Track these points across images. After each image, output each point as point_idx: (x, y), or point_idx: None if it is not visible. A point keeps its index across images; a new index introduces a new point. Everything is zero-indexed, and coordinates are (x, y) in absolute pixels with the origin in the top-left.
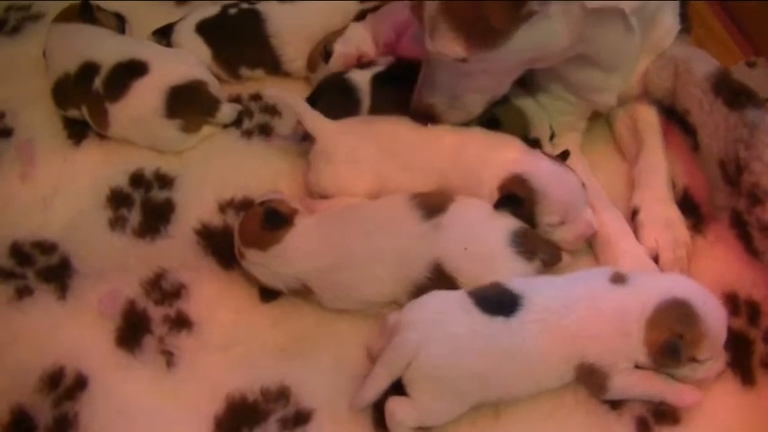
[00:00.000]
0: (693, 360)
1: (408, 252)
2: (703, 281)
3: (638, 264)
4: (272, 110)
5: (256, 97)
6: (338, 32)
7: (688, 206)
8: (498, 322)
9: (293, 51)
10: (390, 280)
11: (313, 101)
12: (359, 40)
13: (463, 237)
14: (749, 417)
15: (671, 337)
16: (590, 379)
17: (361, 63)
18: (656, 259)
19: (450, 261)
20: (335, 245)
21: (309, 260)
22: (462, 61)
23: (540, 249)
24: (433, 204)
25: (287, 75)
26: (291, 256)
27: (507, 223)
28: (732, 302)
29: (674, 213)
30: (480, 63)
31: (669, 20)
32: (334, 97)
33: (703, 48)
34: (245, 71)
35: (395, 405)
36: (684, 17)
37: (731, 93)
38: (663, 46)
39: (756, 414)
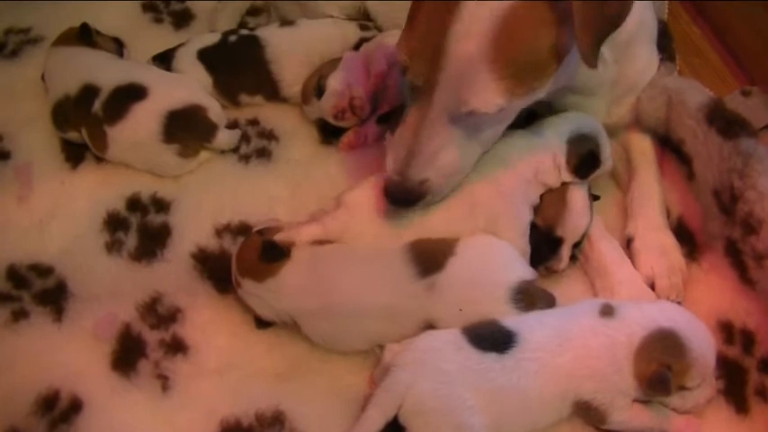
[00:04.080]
0: (683, 388)
1: (399, 311)
2: (698, 309)
3: (635, 292)
4: (270, 134)
5: (254, 122)
6: (334, 62)
7: (683, 235)
8: (490, 359)
9: (292, 77)
10: (378, 332)
11: None
12: (352, 76)
13: (459, 298)
14: None
15: (659, 369)
16: (588, 415)
17: (353, 106)
18: (652, 286)
19: (444, 322)
20: (326, 291)
21: (300, 299)
22: (489, 114)
23: (538, 300)
24: (429, 259)
25: (285, 100)
26: (284, 292)
27: (507, 280)
28: (727, 331)
29: (669, 240)
30: (503, 113)
31: (645, 52)
32: None
33: (698, 77)
34: (244, 98)
35: None
36: (666, 47)
37: (725, 122)
38: (644, 80)
39: None
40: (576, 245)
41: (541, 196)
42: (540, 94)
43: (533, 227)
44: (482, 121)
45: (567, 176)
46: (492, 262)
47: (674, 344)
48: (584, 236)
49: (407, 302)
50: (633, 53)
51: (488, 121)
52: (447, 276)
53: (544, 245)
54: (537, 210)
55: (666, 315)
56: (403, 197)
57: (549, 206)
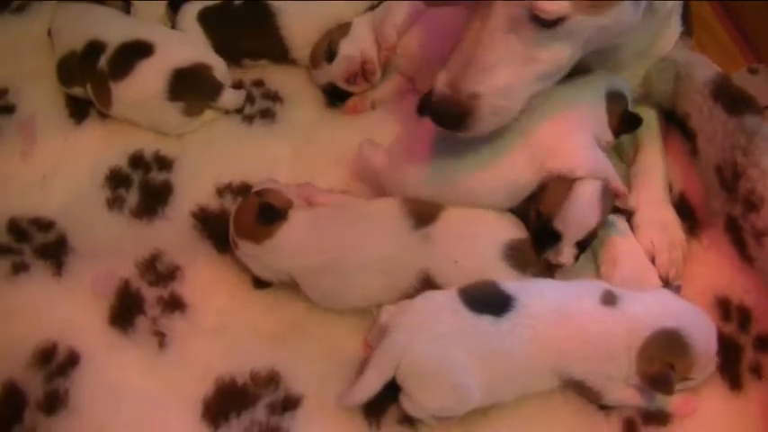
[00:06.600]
0: (686, 379)
1: (397, 262)
2: (696, 285)
3: (637, 264)
4: (275, 96)
5: (259, 83)
6: (343, 27)
7: (684, 210)
8: (485, 321)
9: (302, 41)
10: (377, 287)
11: None
12: (364, 41)
13: (454, 250)
14: (736, 421)
15: (662, 369)
16: (583, 393)
17: (365, 71)
18: (652, 260)
19: (440, 274)
20: (325, 246)
21: (298, 258)
22: (551, 25)
23: (533, 262)
24: (424, 213)
25: (293, 62)
26: (283, 252)
27: (501, 235)
28: (724, 308)
29: (670, 215)
30: (562, 35)
31: (676, 23)
32: None
33: (706, 53)
34: (247, 62)
35: (402, 399)
36: (686, 20)
37: (730, 99)
38: (666, 49)
39: (743, 419)
40: (583, 246)
41: (548, 182)
42: (603, 23)
43: (536, 213)
44: (540, 37)
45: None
46: (485, 218)
47: (679, 344)
48: (592, 237)
49: (405, 253)
50: (670, 22)
51: (546, 40)
52: (440, 228)
53: (542, 234)
54: (541, 195)
55: (670, 312)
56: (451, 111)
57: (552, 192)
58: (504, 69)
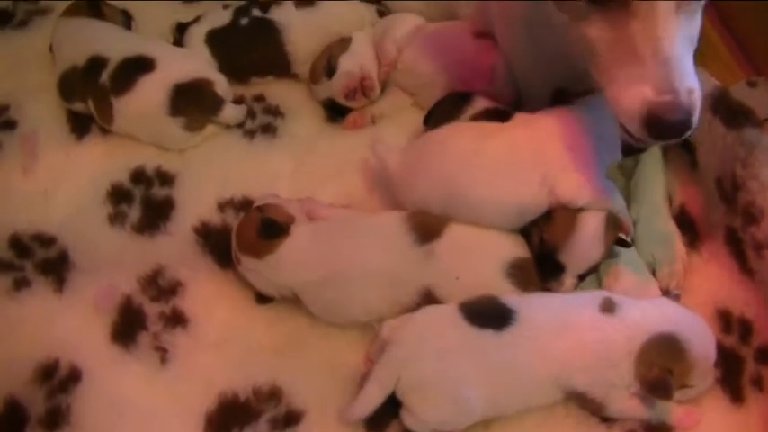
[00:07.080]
0: (685, 386)
1: (399, 276)
2: (697, 298)
3: (637, 277)
4: (275, 111)
5: (260, 98)
6: (343, 43)
7: (684, 223)
8: (487, 335)
9: (305, 55)
10: (379, 301)
11: None
12: (363, 57)
13: (457, 266)
14: None
15: (660, 374)
16: (585, 405)
17: (364, 87)
18: (652, 273)
19: (442, 289)
20: (327, 260)
21: (301, 272)
22: None
23: (534, 281)
24: (427, 229)
25: (295, 76)
26: (285, 267)
27: (504, 253)
28: (725, 320)
29: (671, 227)
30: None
31: None
32: None
33: (705, 66)
34: (254, 80)
35: (402, 414)
36: None
37: (729, 112)
38: None
39: (745, 431)
40: (584, 277)
41: (553, 212)
42: None
43: (539, 238)
44: (695, 7)
45: None
46: (489, 235)
47: (676, 348)
48: (594, 269)
49: (407, 268)
50: None
51: (695, 11)
52: (444, 244)
53: (545, 264)
54: (546, 224)
55: (666, 318)
56: (682, 117)
57: (558, 224)
58: (688, 51)
